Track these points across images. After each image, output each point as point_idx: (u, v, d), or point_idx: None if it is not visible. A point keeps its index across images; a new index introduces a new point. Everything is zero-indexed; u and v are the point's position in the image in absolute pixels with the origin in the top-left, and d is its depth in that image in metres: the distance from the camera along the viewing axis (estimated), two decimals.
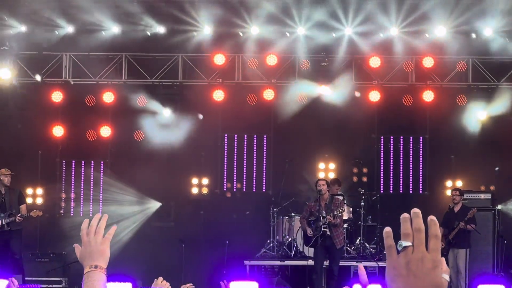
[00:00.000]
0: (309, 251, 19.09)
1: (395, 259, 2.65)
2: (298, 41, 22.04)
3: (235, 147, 22.36)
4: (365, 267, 19.17)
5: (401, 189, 22.29)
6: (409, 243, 2.66)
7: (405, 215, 2.69)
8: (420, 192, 22.08)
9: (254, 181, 22.51)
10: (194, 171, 22.58)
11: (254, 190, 22.53)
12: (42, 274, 19.84)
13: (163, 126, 22.19)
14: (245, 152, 22.47)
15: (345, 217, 19.57)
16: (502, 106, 21.93)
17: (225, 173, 22.70)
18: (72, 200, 22.56)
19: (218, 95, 21.82)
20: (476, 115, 21.80)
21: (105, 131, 21.62)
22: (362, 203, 20.63)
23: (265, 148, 22.52)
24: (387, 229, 2.74)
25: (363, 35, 21.95)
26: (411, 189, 22.24)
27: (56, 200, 22.75)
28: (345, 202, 19.99)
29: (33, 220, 20.01)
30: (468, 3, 21.49)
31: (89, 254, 4.20)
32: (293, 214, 19.99)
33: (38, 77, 22.02)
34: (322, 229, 18.32)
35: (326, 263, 18.60)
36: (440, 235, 2.68)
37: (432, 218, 2.62)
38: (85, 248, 4.25)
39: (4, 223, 18.76)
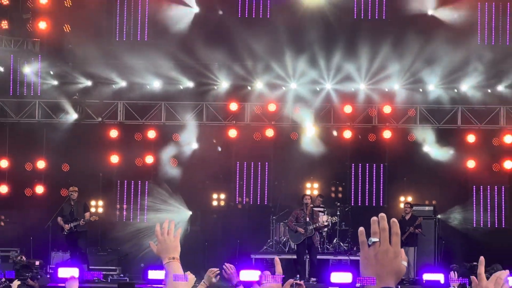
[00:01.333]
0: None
1: (366, 251, 2.73)
2: (291, 93, 21.99)
3: (245, 171, 22.18)
4: (340, 260, 19.70)
5: (366, 202, 22.04)
6: (377, 239, 2.73)
7: (375, 218, 2.76)
8: (381, 205, 21.80)
9: (259, 196, 22.30)
10: (214, 188, 22.38)
11: (258, 203, 22.27)
12: (102, 264, 19.88)
13: (192, 155, 22.02)
14: (252, 175, 22.28)
15: (327, 223, 19.62)
16: (442, 141, 21.78)
17: (237, 190, 22.39)
18: (125, 210, 22.32)
19: (232, 133, 21.78)
20: (422, 148, 21.74)
21: (149, 159, 21.71)
22: (338, 213, 20.46)
23: (266, 172, 22.25)
24: (361, 229, 2.81)
25: (339, 88, 21.85)
26: (374, 203, 21.97)
27: (113, 210, 22.42)
28: (325, 212, 20.16)
29: (94, 224, 19.99)
30: (416, 68, 21.41)
31: (166, 249, 4.37)
32: (287, 221, 19.61)
33: (99, 119, 22.02)
34: (313, 232, 18.64)
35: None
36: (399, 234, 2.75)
37: (393, 220, 2.74)
38: (161, 245, 4.42)
39: (72, 226, 18.89)
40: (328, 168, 22.33)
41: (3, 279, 17.65)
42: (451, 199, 21.81)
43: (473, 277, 3.58)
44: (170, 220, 4.41)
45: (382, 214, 2.72)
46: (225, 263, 7.12)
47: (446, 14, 21.37)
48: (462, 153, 21.73)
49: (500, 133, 21.58)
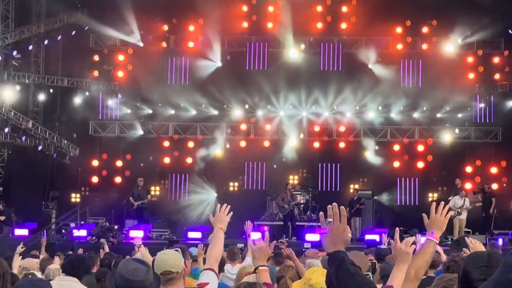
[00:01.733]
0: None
1: (325, 227, 2.72)
2: (280, 118, 21.75)
3: (250, 169, 22.00)
4: (312, 225, 18.87)
5: (329, 188, 21.78)
6: (331, 220, 2.71)
7: (330, 206, 2.74)
8: (338, 190, 21.62)
9: (259, 184, 22.00)
10: (231, 179, 22.10)
11: (259, 188, 21.86)
12: (159, 228, 19.46)
13: (216, 158, 21.67)
14: (254, 171, 22.01)
15: (302, 201, 19.64)
16: (377, 150, 21.61)
17: (245, 180, 22.06)
18: (173, 193, 21.98)
19: (242, 144, 21.67)
20: (365, 154, 21.48)
21: (189, 160, 21.65)
22: (310, 195, 20.41)
23: (264, 169, 21.91)
24: (321, 213, 2.85)
25: (311, 115, 21.70)
26: (333, 188, 21.75)
27: (166, 193, 21.97)
28: (301, 194, 19.95)
29: (154, 202, 19.91)
30: (362, 101, 21.30)
31: (219, 221, 4.25)
32: (276, 200, 19.57)
33: (156, 134, 21.96)
34: (293, 207, 18.63)
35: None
36: (346, 213, 2.76)
37: (342, 207, 2.73)
38: (216, 218, 4.29)
39: (139, 203, 18.82)
40: (304, 166, 22.25)
41: (94, 237, 17.48)
42: (383, 186, 21.48)
43: (391, 241, 3.87)
44: (227, 205, 4.34)
45: (334, 204, 2.74)
46: (248, 220, 6.58)
47: (379, 68, 21.30)
48: (390, 157, 21.45)
49: (415, 144, 21.47)
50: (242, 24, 21.66)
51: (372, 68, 21.34)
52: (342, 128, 21.69)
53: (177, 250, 4.26)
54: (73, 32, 21.32)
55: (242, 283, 3.66)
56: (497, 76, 21.33)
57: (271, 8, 21.28)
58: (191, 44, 21.87)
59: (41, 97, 21.38)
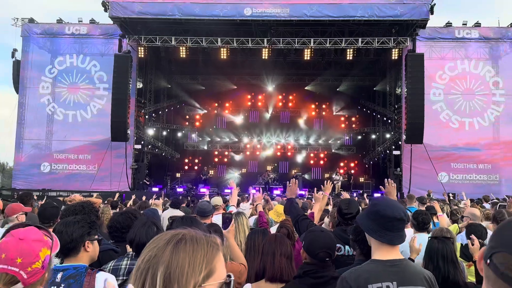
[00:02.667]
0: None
1: (287, 186, 2.75)
2: (263, 142, 21.43)
3: (251, 163, 21.58)
4: (277, 187, 17.23)
5: (283, 171, 21.16)
6: (289, 183, 2.78)
7: (292, 179, 2.87)
8: (287, 172, 20.96)
9: (254, 169, 21.17)
10: (243, 167, 21.42)
11: (254, 171, 20.75)
12: (212, 187, 17.73)
13: (237, 160, 21.62)
14: (253, 164, 21.65)
15: (272, 177, 18.54)
16: (304, 157, 21.50)
17: (249, 168, 21.44)
18: (219, 173, 21.59)
19: (248, 153, 20.92)
20: (297, 158, 21.47)
21: (225, 159, 21.62)
22: (275, 174, 19.16)
23: (257, 163, 21.46)
24: (287, 182, 2.89)
25: (276, 142, 21.54)
26: (285, 171, 21.18)
27: (215, 173, 21.58)
28: (272, 174, 18.79)
29: (211, 177, 19.59)
30: (297, 136, 21.40)
31: (234, 187, 4.03)
32: (262, 176, 18.55)
33: (211, 148, 21.59)
34: (269, 179, 18.27)
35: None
36: (296, 182, 2.77)
37: (293, 179, 2.88)
38: (233, 183, 4.24)
39: (205, 177, 18.33)
40: (273, 162, 21.76)
41: (185, 191, 16.39)
42: (306, 170, 21.39)
43: (313, 193, 3.90)
44: (235, 183, 4.38)
45: (292, 179, 2.95)
46: (251, 185, 5.38)
47: (304, 122, 21.76)
48: (309, 159, 21.74)
49: (319, 153, 21.56)
50: (248, 103, 22.47)
51: (300, 122, 22.21)
52: (289, 147, 22.08)
53: (220, 196, 4.53)
54: (178, 106, 21.86)
55: (237, 211, 3.35)
56: (354, 125, 22.55)
57: (260, 97, 22.29)
58: (226, 111, 22.58)
59: (164, 133, 21.42)
